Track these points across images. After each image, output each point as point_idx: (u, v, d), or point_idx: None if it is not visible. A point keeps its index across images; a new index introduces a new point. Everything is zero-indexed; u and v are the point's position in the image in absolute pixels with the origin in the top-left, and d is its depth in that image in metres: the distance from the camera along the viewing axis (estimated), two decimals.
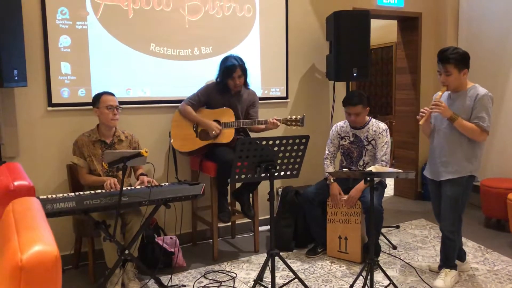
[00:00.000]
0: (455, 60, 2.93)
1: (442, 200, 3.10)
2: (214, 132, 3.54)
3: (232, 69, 3.55)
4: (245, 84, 3.73)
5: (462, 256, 3.31)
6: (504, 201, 4.15)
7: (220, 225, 3.90)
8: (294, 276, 2.91)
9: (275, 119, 3.54)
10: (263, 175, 2.76)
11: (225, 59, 3.65)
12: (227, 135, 3.56)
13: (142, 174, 3.25)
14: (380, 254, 3.66)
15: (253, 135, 3.83)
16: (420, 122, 3.01)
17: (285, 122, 3.55)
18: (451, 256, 3.15)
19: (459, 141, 3.01)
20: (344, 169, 3.72)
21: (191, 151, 3.65)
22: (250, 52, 4.19)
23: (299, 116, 3.53)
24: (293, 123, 3.52)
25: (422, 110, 3.02)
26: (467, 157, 3.01)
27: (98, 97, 3.23)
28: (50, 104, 3.44)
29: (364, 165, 3.63)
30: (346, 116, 3.67)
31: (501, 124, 4.70)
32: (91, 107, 3.27)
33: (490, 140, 4.77)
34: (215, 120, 3.60)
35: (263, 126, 3.62)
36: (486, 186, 4.40)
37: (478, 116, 2.94)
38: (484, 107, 2.94)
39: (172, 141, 3.69)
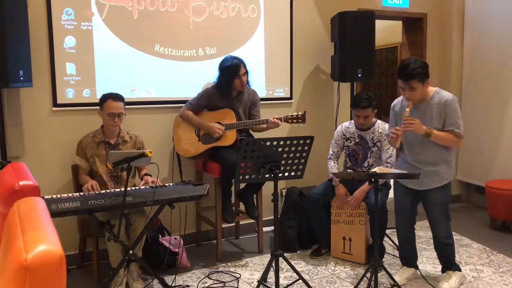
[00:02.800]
0: (419, 75, 2.82)
1: (430, 208, 3.09)
2: (216, 134, 3.53)
3: (237, 67, 3.55)
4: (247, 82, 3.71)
5: None
6: (509, 202, 4.13)
7: (224, 225, 3.90)
8: (298, 277, 2.91)
9: (276, 118, 3.48)
10: (267, 175, 2.76)
11: (225, 61, 3.62)
12: (230, 137, 3.54)
13: (146, 174, 3.26)
14: (385, 256, 3.64)
15: (256, 135, 3.82)
16: (397, 145, 2.94)
17: (286, 120, 3.48)
18: (452, 259, 3.16)
19: (438, 148, 2.97)
20: (348, 170, 3.71)
21: (194, 156, 3.65)
22: (254, 52, 4.19)
23: (300, 113, 3.46)
24: (295, 120, 3.45)
25: (392, 130, 2.93)
26: (448, 163, 3.02)
27: (103, 100, 3.23)
28: (55, 104, 3.46)
29: (369, 166, 3.61)
30: (354, 118, 3.63)
31: (506, 126, 4.67)
32: (97, 107, 3.28)
33: (496, 142, 4.76)
34: (217, 122, 3.59)
35: (264, 126, 3.58)
36: (492, 188, 4.37)
37: (452, 123, 2.90)
38: (456, 112, 2.90)
39: (175, 146, 3.68)
